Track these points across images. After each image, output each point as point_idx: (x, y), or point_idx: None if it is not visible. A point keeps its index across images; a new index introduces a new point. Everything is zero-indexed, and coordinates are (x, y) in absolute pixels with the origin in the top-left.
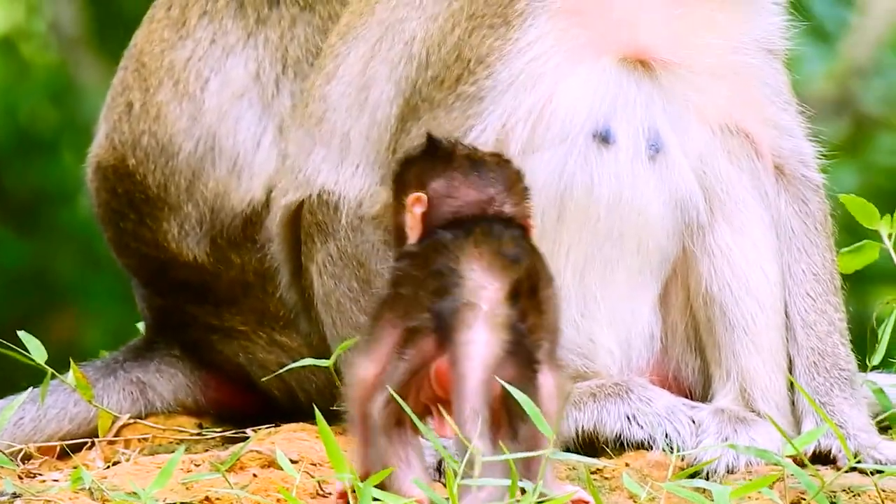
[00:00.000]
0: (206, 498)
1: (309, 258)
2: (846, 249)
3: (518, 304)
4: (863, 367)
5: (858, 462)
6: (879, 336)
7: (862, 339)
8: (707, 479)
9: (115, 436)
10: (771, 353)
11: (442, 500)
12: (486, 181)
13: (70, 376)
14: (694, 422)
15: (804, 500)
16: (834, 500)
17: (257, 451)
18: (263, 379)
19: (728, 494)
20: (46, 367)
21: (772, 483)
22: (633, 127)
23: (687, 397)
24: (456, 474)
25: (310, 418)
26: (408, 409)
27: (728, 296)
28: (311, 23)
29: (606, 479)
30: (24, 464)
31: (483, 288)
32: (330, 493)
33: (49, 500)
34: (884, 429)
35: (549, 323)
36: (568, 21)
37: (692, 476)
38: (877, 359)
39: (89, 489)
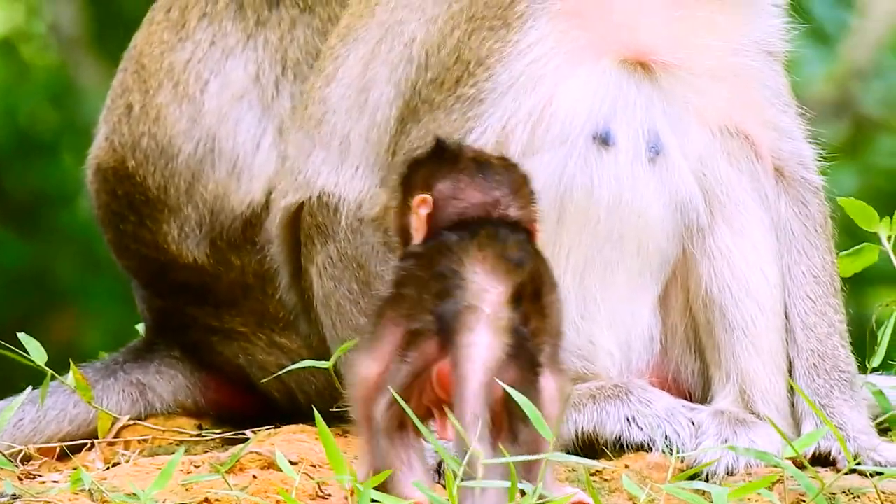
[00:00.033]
0: (206, 499)
1: (309, 260)
2: (846, 252)
3: (520, 308)
4: (862, 369)
5: (858, 464)
6: (879, 338)
7: (862, 341)
8: (707, 480)
9: (114, 437)
10: (771, 355)
11: (442, 502)
12: (492, 184)
13: (70, 377)
14: (693, 423)
15: (804, 501)
16: (833, 502)
17: (257, 453)
18: (263, 380)
19: (727, 496)
20: (46, 368)
21: (771, 485)
22: (632, 129)
23: (686, 399)
24: (456, 476)
25: (309, 420)
26: (409, 412)
27: (728, 298)
28: (310, 25)
29: (606, 480)
30: (23, 465)
31: (486, 291)
32: (330, 495)
33: (49, 502)
34: (883, 431)
35: (551, 327)
36: (568, 23)
37: (692, 478)
38: (876, 361)
39: (89, 490)
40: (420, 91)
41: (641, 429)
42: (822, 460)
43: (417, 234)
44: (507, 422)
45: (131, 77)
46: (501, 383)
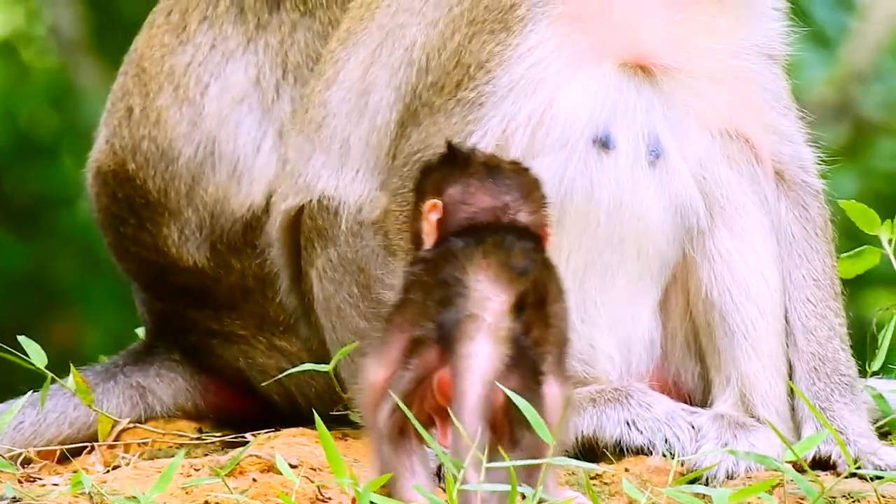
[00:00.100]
0: (206, 502)
1: (309, 263)
2: (846, 254)
3: (522, 317)
4: (863, 373)
5: (858, 468)
6: (879, 341)
7: (862, 345)
8: (707, 484)
9: (114, 440)
10: (771, 359)
11: None
12: (502, 188)
13: (70, 381)
14: (693, 427)
15: None
16: None
17: (257, 456)
18: (263, 384)
19: (728, 499)
20: (46, 371)
21: (771, 488)
22: (633, 132)
23: (686, 403)
24: (455, 480)
25: (309, 423)
26: (411, 417)
27: (728, 301)
28: (311, 28)
29: (606, 484)
30: (23, 468)
31: (488, 300)
32: (330, 499)
33: None
34: (884, 434)
35: (555, 335)
36: (568, 27)
37: (692, 481)
38: (877, 364)
39: (89, 493)
40: (420, 95)
41: (641, 432)
42: (822, 464)
43: (428, 239)
44: (508, 428)
45: (132, 80)
46: (503, 388)
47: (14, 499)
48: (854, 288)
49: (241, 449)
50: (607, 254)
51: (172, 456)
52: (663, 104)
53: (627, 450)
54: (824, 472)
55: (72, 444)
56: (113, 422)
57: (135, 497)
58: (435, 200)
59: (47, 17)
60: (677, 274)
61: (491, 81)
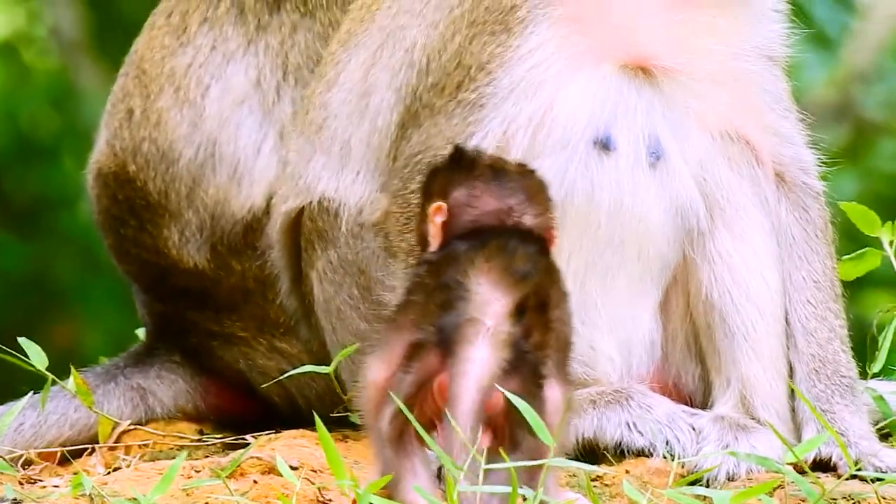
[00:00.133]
0: None
1: (309, 265)
2: (847, 256)
3: (523, 321)
4: (863, 375)
5: (859, 469)
6: (880, 343)
7: (862, 347)
8: (707, 486)
9: (115, 442)
10: (771, 361)
11: None
12: (507, 191)
13: (70, 382)
14: (694, 429)
15: None
16: None
17: (257, 458)
18: (264, 385)
19: (728, 501)
20: (47, 373)
21: (772, 490)
22: (633, 134)
23: (687, 404)
24: (456, 481)
25: (310, 425)
26: (412, 419)
27: (728, 303)
28: (311, 29)
29: (607, 486)
30: (24, 469)
31: (489, 303)
32: (330, 500)
33: None
34: (884, 436)
35: (556, 339)
36: (569, 28)
37: (693, 483)
38: (877, 366)
39: (90, 495)
40: (421, 96)
41: (642, 434)
42: (823, 466)
43: (433, 242)
44: (509, 431)
45: (132, 82)
46: (504, 391)
47: (15, 500)
48: (854, 290)
49: (241, 451)
50: (608, 255)
51: (173, 457)
52: (664, 106)
53: (628, 451)
54: (825, 474)
55: (72, 445)
56: (113, 423)
57: (135, 499)
58: (440, 203)
59: (48, 18)
60: (678, 275)
61: (491, 83)
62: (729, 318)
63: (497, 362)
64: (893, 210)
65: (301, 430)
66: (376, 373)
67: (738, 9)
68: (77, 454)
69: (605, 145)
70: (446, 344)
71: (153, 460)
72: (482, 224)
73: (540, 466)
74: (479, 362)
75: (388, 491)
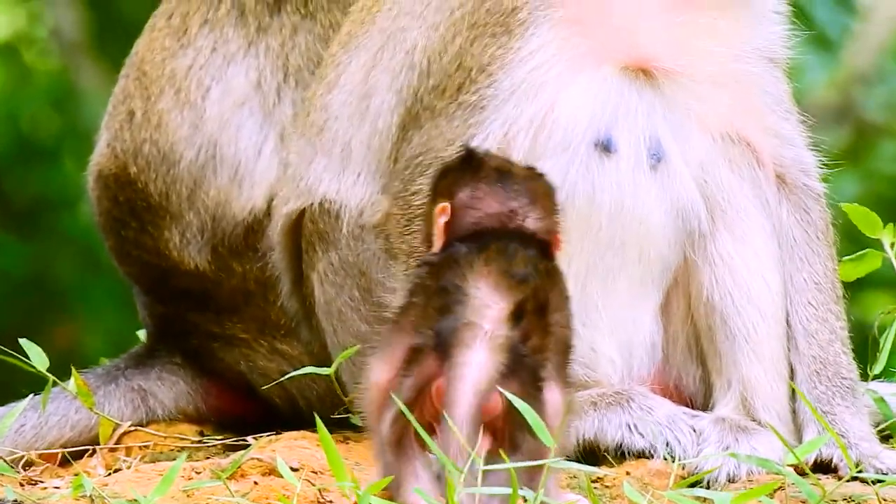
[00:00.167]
0: None
1: (310, 267)
2: (848, 258)
3: (521, 325)
4: (864, 376)
5: (860, 471)
6: (881, 345)
7: (863, 348)
8: (708, 487)
9: (116, 443)
10: (772, 362)
11: None
12: (510, 194)
13: (71, 383)
14: (695, 431)
15: None
16: None
17: (258, 459)
18: (264, 387)
19: (729, 503)
20: (48, 374)
21: (773, 492)
22: (634, 136)
23: (688, 406)
24: (456, 483)
25: (311, 426)
26: (414, 421)
27: (729, 305)
28: (312, 31)
29: (607, 487)
30: (25, 471)
31: (487, 307)
32: (331, 502)
33: None
34: (885, 438)
35: (556, 343)
36: (570, 30)
37: (693, 485)
38: (878, 367)
39: (90, 496)
40: (422, 98)
41: (643, 436)
42: (823, 467)
43: (437, 242)
44: (509, 434)
45: (133, 83)
46: (505, 392)
47: (16, 502)
48: (855, 291)
49: (242, 452)
50: (609, 257)
51: (174, 459)
52: (664, 107)
53: (629, 453)
54: (826, 476)
55: (73, 447)
56: (114, 425)
57: (136, 500)
58: (444, 203)
59: (49, 19)
60: (678, 277)
61: (492, 85)
62: (730, 320)
63: (495, 366)
64: (894, 212)
65: (302, 432)
66: (378, 374)
67: (739, 10)
68: (78, 455)
69: (605, 147)
70: (444, 348)
71: (154, 461)
72: (484, 226)
73: (540, 468)
74: (476, 366)
75: (389, 492)
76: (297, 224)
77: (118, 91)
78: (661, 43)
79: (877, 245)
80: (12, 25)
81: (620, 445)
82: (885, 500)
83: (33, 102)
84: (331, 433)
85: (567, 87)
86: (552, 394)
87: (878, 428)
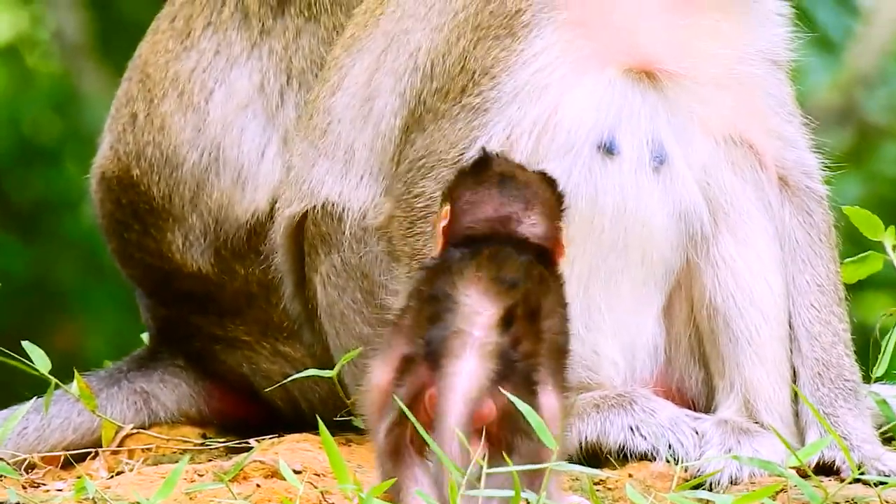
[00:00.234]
0: None
1: (313, 269)
2: (850, 260)
3: (511, 331)
4: (866, 378)
5: (862, 473)
6: (883, 347)
7: (866, 350)
8: (710, 490)
9: (118, 446)
10: (775, 365)
11: None
12: (507, 199)
13: (74, 386)
14: (697, 433)
15: None
16: None
17: (261, 462)
18: (267, 389)
19: None
20: (50, 377)
21: (775, 494)
22: (637, 138)
23: (690, 408)
24: (459, 486)
25: (313, 429)
26: (415, 422)
27: (732, 307)
28: (315, 34)
29: (610, 489)
30: (27, 473)
31: (477, 314)
32: None
33: None
34: (888, 440)
35: (550, 348)
36: (573, 32)
37: (696, 487)
38: (881, 370)
39: (93, 499)
40: (425, 100)
41: (645, 438)
42: (826, 469)
43: (437, 246)
44: (505, 439)
45: (136, 86)
46: (506, 393)
47: None
48: (858, 293)
49: (244, 454)
50: (611, 260)
51: (176, 461)
52: (667, 110)
53: (631, 455)
54: (828, 478)
55: (75, 449)
56: (117, 427)
57: (138, 503)
58: (446, 207)
59: (51, 22)
60: (681, 280)
61: (496, 87)
62: (732, 323)
63: (485, 373)
64: None
65: (304, 434)
66: (379, 377)
67: (742, 13)
68: (80, 458)
69: (608, 150)
70: (434, 357)
71: (156, 464)
72: (479, 231)
73: (540, 471)
74: (466, 375)
75: (390, 495)
76: (300, 226)
77: (121, 94)
78: (664, 45)
79: (878, 247)
80: (14, 28)
81: (623, 448)
82: (887, 502)
83: (35, 105)
84: (333, 435)
85: (570, 89)
86: (548, 398)
87: (881, 430)
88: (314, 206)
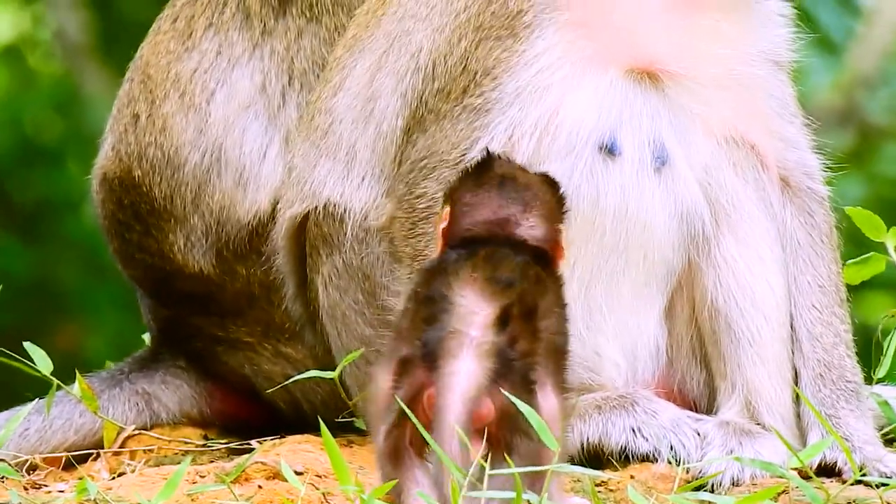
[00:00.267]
0: None
1: (314, 270)
2: (852, 261)
3: (507, 330)
4: (868, 380)
5: (864, 475)
6: (885, 348)
7: (867, 352)
8: (712, 491)
9: (120, 447)
10: (776, 366)
11: None
12: (504, 201)
13: (75, 387)
14: (699, 434)
15: None
16: None
17: (262, 463)
18: (269, 390)
19: None
20: (52, 377)
21: (777, 495)
22: (638, 139)
23: (692, 410)
24: (461, 487)
25: (315, 430)
26: (417, 423)
27: (733, 308)
28: (317, 34)
29: (611, 491)
30: (29, 475)
31: (474, 314)
32: None
33: None
34: (889, 441)
35: (548, 348)
36: (575, 33)
37: (697, 489)
38: (882, 371)
39: (94, 500)
40: (426, 101)
41: (647, 439)
42: (827, 471)
43: (436, 248)
44: (504, 439)
45: (137, 87)
46: (506, 394)
47: None
48: (859, 294)
49: (246, 456)
50: (613, 261)
51: (178, 463)
52: (669, 111)
53: (633, 457)
54: (829, 479)
55: (77, 450)
56: (118, 428)
57: None
58: (447, 209)
59: (52, 22)
60: (683, 281)
61: (497, 88)
62: (734, 324)
63: (483, 372)
64: None
65: (306, 436)
66: (381, 381)
67: (744, 14)
68: (82, 459)
69: (610, 150)
70: (431, 358)
71: (158, 465)
72: (476, 233)
73: (541, 472)
74: (463, 374)
75: (391, 497)
76: (302, 227)
77: (122, 94)
78: (665, 46)
79: (880, 248)
80: (16, 28)
81: (624, 449)
82: (888, 503)
83: (37, 105)
84: (335, 437)
85: (572, 90)
86: (547, 398)
87: (883, 431)
88: (316, 207)
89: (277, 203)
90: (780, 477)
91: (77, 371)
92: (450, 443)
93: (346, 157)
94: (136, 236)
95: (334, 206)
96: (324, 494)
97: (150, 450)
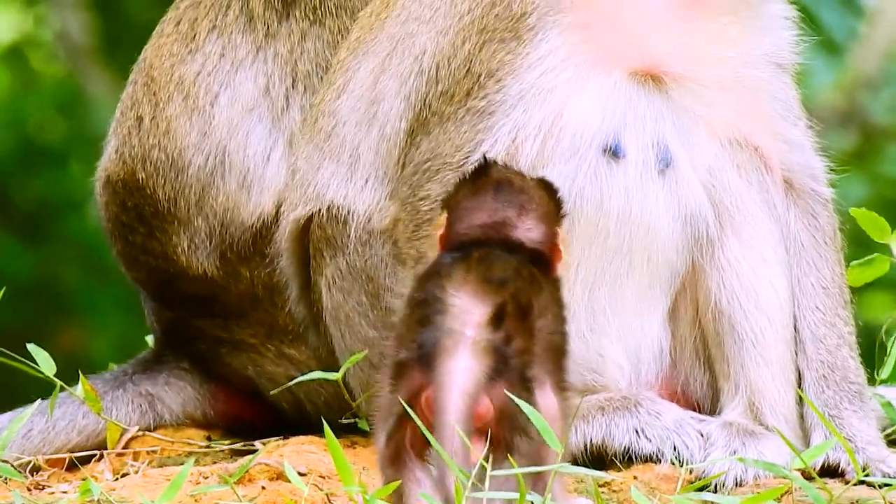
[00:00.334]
0: None
1: (318, 272)
2: (856, 262)
3: (502, 328)
4: (871, 381)
5: (867, 475)
6: (888, 349)
7: (871, 353)
8: (715, 492)
9: (123, 448)
10: (780, 367)
11: None
12: (500, 205)
13: (79, 388)
14: (702, 435)
15: None
16: None
17: (266, 464)
18: (272, 392)
19: None
20: (55, 379)
21: (780, 496)
22: (642, 141)
23: (695, 411)
24: (464, 488)
25: (318, 431)
26: (419, 423)
27: (737, 309)
28: (320, 37)
29: (615, 492)
30: (32, 476)
31: (469, 313)
32: None
33: None
34: (892, 442)
35: (546, 347)
36: (579, 35)
37: (701, 489)
38: (885, 372)
39: (98, 501)
40: (430, 103)
41: (650, 440)
42: (830, 472)
43: (434, 253)
44: (504, 438)
45: (141, 89)
46: (507, 393)
47: None
48: (863, 295)
49: (249, 457)
50: (616, 263)
51: (181, 464)
52: (673, 113)
53: (636, 458)
54: (833, 480)
55: (80, 451)
56: (122, 430)
57: None
58: (444, 215)
59: (55, 23)
60: (686, 282)
61: (501, 90)
62: (738, 325)
63: (480, 370)
64: None
65: (309, 437)
66: (381, 386)
67: (748, 16)
68: (85, 460)
69: (614, 153)
70: (427, 360)
71: (161, 466)
72: (472, 237)
73: (545, 473)
74: (461, 373)
75: (393, 499)
76: (305, 230)
77: (126, 97)
78: (669, 48)
79: (884, 249)
80: (19, 29)
81: (628, 450)
82: (892, 503)
83: (40, 107)
84: (338, 438)
85: (576, 92)
86: (546, 397)
87: (886, 432)
88: (319, 210)
89: (281, 205)
90: (784, 478)
91: (80, 372)
92: (451, 441)
93: (349, 159)
94: (140, 238)
95: (338, 208)
96: (327, 495)
97: (153, 451)
